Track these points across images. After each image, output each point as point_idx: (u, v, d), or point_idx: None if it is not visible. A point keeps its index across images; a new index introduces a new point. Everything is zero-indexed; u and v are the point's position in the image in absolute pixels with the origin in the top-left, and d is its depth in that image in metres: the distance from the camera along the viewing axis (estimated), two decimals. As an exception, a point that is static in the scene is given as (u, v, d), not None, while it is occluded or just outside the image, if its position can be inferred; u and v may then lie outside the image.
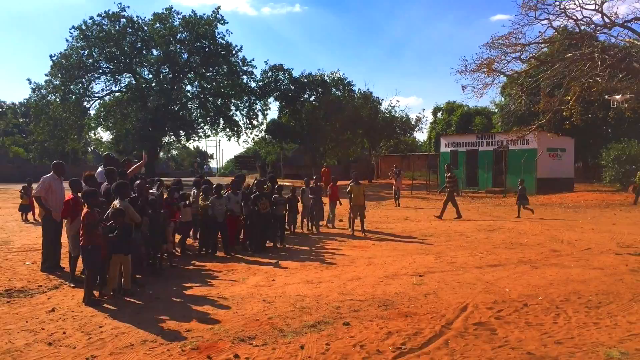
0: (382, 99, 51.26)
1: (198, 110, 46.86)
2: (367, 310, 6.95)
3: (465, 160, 34.16)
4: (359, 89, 51.65)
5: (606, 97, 24.13)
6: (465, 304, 7.33)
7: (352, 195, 14.80)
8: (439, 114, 62.97)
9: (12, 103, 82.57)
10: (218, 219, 11.40)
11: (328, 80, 48.67)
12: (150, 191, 11.09)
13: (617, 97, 22.76)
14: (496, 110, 46.20)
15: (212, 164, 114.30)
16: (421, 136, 67.46)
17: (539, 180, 30.48)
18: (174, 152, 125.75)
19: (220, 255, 11.46)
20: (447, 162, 34.07)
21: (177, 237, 11.68)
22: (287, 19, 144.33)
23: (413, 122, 50.51)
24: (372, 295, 7.71)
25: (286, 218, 14.05)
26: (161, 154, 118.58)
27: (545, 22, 26.65)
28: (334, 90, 49.00)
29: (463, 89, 27.79)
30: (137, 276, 8.66)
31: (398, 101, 56.27)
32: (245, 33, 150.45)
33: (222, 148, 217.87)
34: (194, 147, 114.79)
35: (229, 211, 11.61)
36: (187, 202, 11.41)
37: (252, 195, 12.03)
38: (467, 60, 27.72)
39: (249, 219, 12.03)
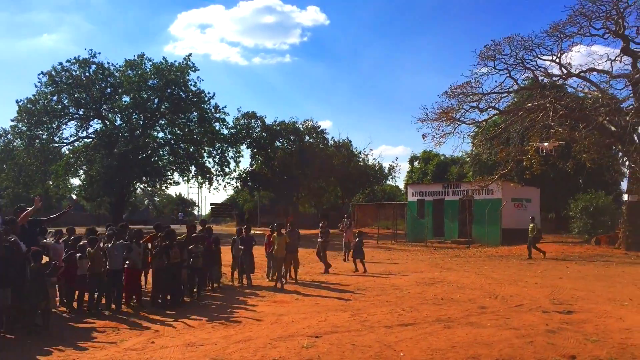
0: (356, 148, 50.56)
1: (168, 157, 46.29)
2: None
3: (432, 209, 33.69)
4: (332, 137, 51.50)
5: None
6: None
7: (275, 247, 14.18)
8: (415, 163, 62.93)
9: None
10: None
11: (301, 128, 48.52)
12: (45, 241, 10.45)
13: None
14: (468, 160, 46.05)
15: (196, 211, 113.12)
16: (400, 184, 67.22)
17: (504, 230, 29.96)
18: (156, 199, 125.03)
19: (126, 311, 10.74)
20: (413, 212, 33.74)
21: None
22: (277, 70, 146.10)
23: (386, 171, 50.19)
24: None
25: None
26: (146, 201, 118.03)
27: (504, 72, 26.78)
28: (307, 138, 48.79)
29: (423, 138, 27.76)
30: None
31: (371, 149, 56.21)
32: (236, 82, 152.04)
33: (204, 195, 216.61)
34: (175, 194, 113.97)
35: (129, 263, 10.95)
36: (82, 254, 10.65)
37: (162, 245, 11.33)
38: (427, 109, 27.71)
39: (156, 271, 11.30)
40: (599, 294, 12.80)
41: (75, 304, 10.85)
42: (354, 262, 18.13)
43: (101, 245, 11.26)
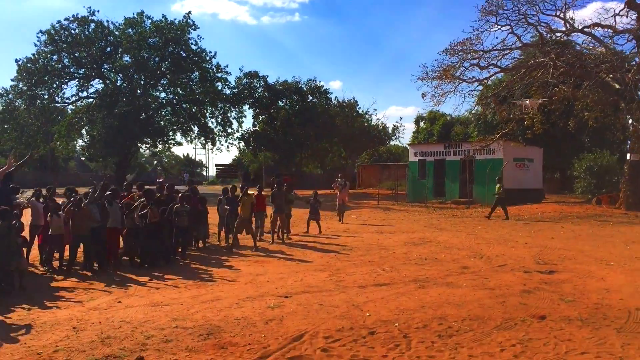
0: (361, 108, 50.01)
1: (170, 117, 45.97)
2: (182, 341, 6.14)
3: (433, 170, 33.36)
4: (336, 97, 50.95)
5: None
6: (305, 331, 6.53)
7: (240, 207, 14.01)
8: (421, 123, 62.32)
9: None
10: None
11: (305, 88, 47.94)
12: (18, 200, 10.36)
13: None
14: (472, 120, 45.47)
15: (204, 172, 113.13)
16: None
17: (505, 190, 29.57)
18: (164, 160, 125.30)
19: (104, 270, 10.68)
20: (414, 173, 33.47)
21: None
22: (287, 28, 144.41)
23: (390, 132, 49.74)
24: (206, 321, 6.90)
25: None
26: (155, 162, 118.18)
27: (506, 28, 26.08)
28: (310, 97, 48.25)
29: (423, 97, 27.30)
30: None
31: (375, 109, 55.95)
32: (245, 42, 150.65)
33: (212, 156, 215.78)
34: (183, 155, 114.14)
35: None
36: (58, 212, 10.53)
37: (141, 204, 11.20)
38: (427, 67, 27.17)
39: (131, 231, 11.20)
40: (587, 254, 12.60)
41: (56, 264, 10.80)
42: (307, 223, 17.63)
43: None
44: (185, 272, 10.56)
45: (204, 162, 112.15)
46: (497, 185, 23.00)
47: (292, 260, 12.20)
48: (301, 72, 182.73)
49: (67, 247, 10.97)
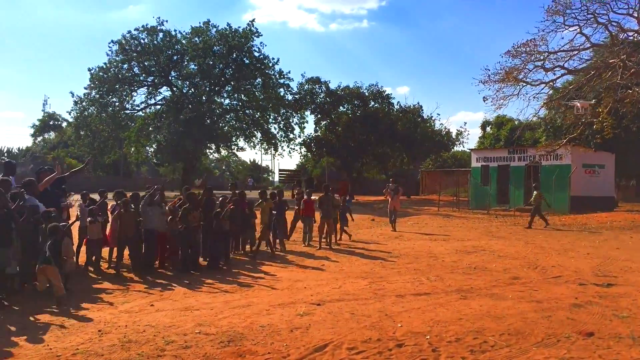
0: (425, 113, 49.17)
1: (233, 123, 46.69)
2: (201, 348, 5.98)
3: (497, 176, 32.34)
4: (398, 102, 50.36)
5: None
6: (329, 341, 6.26)
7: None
8: (487, 128, 60.76)
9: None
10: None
11: (366, 93, 47.61)
12: (65, 203, 10.54)
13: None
14: (541, 125, 43.82)
15: (271, 177, 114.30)
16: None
17: (573, 198, 28.31)
18: (232, 166, 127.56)
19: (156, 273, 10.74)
20: (476, 179, 32.53)
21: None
22: (355, 35, 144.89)
23: (454, 137, 48.68)
24: (231, 328, 6.72)
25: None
26: (223, 167, 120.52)
27: (574, 28, 24.98)
28: (372, 103, 47.89)
29: (484, 101, 26.48)
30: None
31: (439, 114, 54.48)
32: (313, 49, 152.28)
33: (278, 162, 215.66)
34: (250, 161, 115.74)
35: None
36: (95, 218, 10.62)
37: (182, 208, 11.22)
38: (489, 70, 26.37)
39: (174, 235, 11.21)
40: (653, 267, 11.74)
41: (104, 265, 10.96)
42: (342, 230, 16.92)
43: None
44: (224, 277, 10.46)
45: (270, 168, 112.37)
46: (535, 193, 21.95)
47: (336, 267, 11.91)
48: (369, 78, 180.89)
49: (109, 249, 11.14)
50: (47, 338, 6.38)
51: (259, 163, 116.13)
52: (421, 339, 6.39)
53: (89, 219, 10.54)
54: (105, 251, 11.43)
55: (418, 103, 61.05)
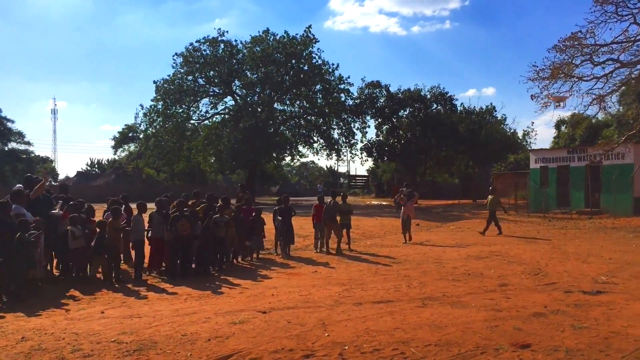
0: (496, 114, 47.68)
1: (294, 130, 47.12)
2: (102, 357, 5.97)
3: (556, 177, 30.80)
4: (462, 104, 49.10)
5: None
6: (238, 351, 6.11)
7: None
8: (562, 127, 58.17)
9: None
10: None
11: (428, 96, 46.72)
12: (53, 212, 10.91)
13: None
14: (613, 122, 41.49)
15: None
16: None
17: (637, 199, 26.48)
18: (305, 173, 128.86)
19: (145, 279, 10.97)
20: (535, 181, 31.12)
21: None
22: (437, 37, 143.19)
23: (520, 138, 46.87)
24: (150, 336, 6.68)
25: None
26: (304, 173, 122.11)
27: (628, 17, 23.46)
28: (435, 105, 46.95)
29: (532, 99, 25.29)
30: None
31: (504, 115, 52.09)
32: (395, 53, 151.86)
33: (355, 167, 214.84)
34: (326, 167, 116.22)
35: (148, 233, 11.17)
36: (79, 227, 10.88)
37: (172, 216, 11.36)
38: (537, 67, 25.18)
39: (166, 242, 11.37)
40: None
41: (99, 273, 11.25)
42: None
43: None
44: (206, 285, 10.46)
45: (349, 173, 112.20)
46: (489, 197, 20.37)
47: (326, 273, 11.70)
48: (452, 81, 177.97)
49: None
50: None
51: (334, 169, 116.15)
52: (336, 350, 6.13)
53: (70, 228, 10.81)
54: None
55: (491, 104, 59.28)
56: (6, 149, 75.82)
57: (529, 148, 50.43)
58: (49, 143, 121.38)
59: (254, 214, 13.88)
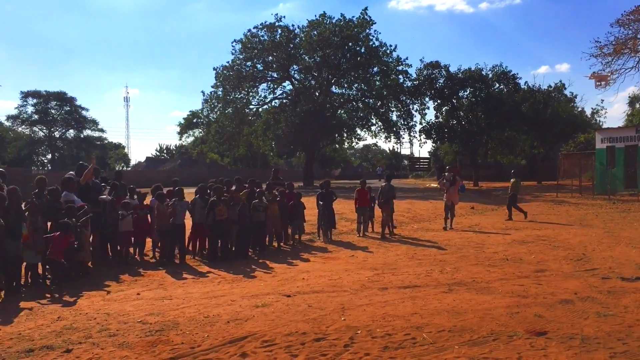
0: (556, 93, 46.04)
1: (353, 113, 47.01)
2: (124, 336, 6.23)
3: (624, 157, 29.49)
4: (526, 82, 47.52)
5: None
6: (253, 333, 6.28)
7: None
8: (637, 105, 55.55)
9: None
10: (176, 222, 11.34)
11: (490, 75, 45.46)
12: (102, 197, 11.39)
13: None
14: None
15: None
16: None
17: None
18: (369, 156, 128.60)
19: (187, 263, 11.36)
20: (601, 161, 29.92)
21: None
22: (507, 13, 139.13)
23: (589, 116, 45.00)
24: (174, 318, 6.95)
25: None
26: (370, 156, 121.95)
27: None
28: (497, 85, 45.67)
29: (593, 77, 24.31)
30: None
31: (572, 92, 49.54)
32: (461, 32, 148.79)
33: (419, 150, 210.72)
34: (389, 150, 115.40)
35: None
36: (126, 211, 11.29)
37: (210, 201, 11.66)
38: (600, 42, 24.15)
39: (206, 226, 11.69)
40: None
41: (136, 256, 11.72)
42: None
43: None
44: (242, 268, 10.68)
45: (412, 155, 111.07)
46: (512, 180, 19.59)
47: (363, 257, 11.74)
48: (522, 57, 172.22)
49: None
50: (17, 320, 7.04)
51: (398, 151, 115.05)
52: (348, 334, 6.20)
53: (121, 212, 11.27)
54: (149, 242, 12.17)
55: (560, 81, 57.06)
56: (81, 136, 79.40)
57: (598, 127, 48.50)
58: (122, 130, 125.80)
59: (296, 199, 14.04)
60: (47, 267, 9.67)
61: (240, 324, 6.69)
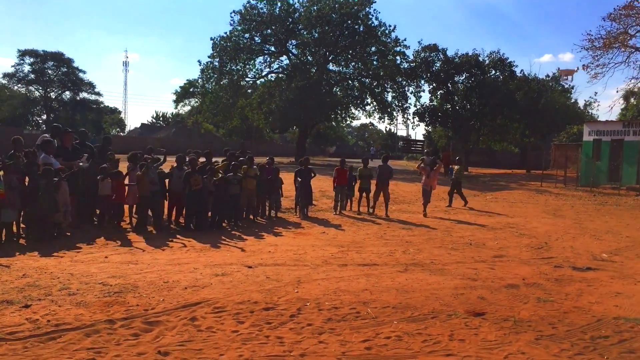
0: (553, 83, 46.22)
1: (348, 91, 47.04)
2: (83, 296, 6.55)
3: (609, 151, 29.78)
4: (522, 70, 47.59)
5: None
6: (207, 300, 6.59)
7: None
8: (632, 99, 55.70)
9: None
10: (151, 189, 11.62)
11: (487, 61, 45.49)
12: (80, 163, 11.63)
13: None
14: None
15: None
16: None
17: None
18: (366, 134, 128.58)
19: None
20: (588, 153, 30.23)
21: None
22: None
23: (581, 108, 45.18)
24: (135, 281, 7.24)
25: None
26: (366, 135, 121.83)
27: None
28: (493, 72, 45.72)
29: (584, 68, 24.54)
30: None
31: (567, 81, 49.52)
32: (467, 16, 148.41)
33: (415, 131, 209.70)
34: (385, 130, 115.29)
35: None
36: (105, 176, 11.55)
37: (185, 172, 11.93)
38: (592, 35, 24.30)
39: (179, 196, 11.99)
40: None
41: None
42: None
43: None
44: (214, 239, 10.96)
45: (409, 137, 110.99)
46: (456, 167, 19.33)
47: (333, 234, 12.07)
48: (526, 44, 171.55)
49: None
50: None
51: (394, 132, 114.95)
52: (297, 305, 6.51)
53: (99, 176, 11.54)
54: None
55: (558, 69, 57.11)
56: (77, 98, 79.02)
57: (589, 119, 48.77)
58: (120, 95, 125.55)
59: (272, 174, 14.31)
60: (22, 225, 9.98)
61: (196, 290, 7.00)
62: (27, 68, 72.35)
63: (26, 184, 10.33)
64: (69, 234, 10.69)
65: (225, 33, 45.13)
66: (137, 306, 6.27)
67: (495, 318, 6.28)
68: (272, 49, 46.90)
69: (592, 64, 23.46)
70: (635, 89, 53.36)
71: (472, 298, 7.05)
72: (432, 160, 17.19)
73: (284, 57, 47.54)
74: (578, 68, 24.21)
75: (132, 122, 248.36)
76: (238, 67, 46.09)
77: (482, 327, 5.94)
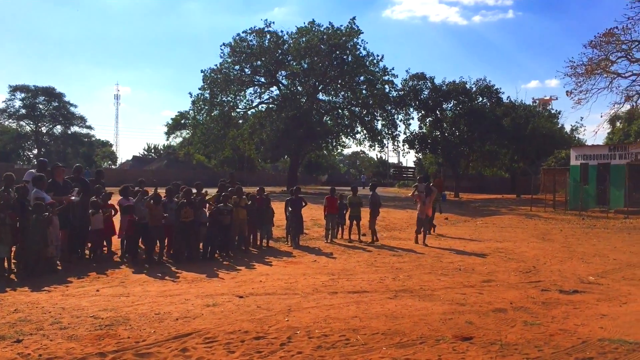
0: (551, 108, 46.96)
1: (337, 120, 47.52)
2: (75, 329, 6.60)
3: (596, 175, 30.17)
4: (508, 97, 48.33)
5: None
6: (198, 331, 6.64)
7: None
8: (617, 123, 56.40)
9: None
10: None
11: (474, 88, 46.19)
12: (72, 197, 11.72)
13: None
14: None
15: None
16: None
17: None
18: (358, 163, 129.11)
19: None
20: (576, 177, 30.59)
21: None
22: (499, 27, 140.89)
23: (568, 133, 45.78)
24: (126, 314, 7.30)
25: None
26: (358, 163, 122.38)
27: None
28: (480, 98, 46.40)
29: (568, 94, 24.98)
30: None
31: (557, 110, 50.45)
32: (455, 44, 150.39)
33: (407, 158, 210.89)
34: (376, 157, 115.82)
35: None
36: (95, 209, 11.66)
37: (178, 204, 12.04)
38: (574, 62, 24.81)
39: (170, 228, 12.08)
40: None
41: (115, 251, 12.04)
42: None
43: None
44: (205, 269, 11.01)
45: (400, 164, 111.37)
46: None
47: (324, 263, 12.16)
48: (513, 71, 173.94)
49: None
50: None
51: (385, 159, 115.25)
52: (287, 334, 6.58)
53: (91, 210, 11.64)
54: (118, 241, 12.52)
55: (532, 98, 57.97)
56: (69, 132, 79.19)
57: (575, 144, 49.32)
58: (112, 128, 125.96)
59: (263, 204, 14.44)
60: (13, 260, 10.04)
61: (188, 321, 7.06)
62: (18, 103, 72.66)
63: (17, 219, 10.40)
64: (60, 267, 10.72)
65: (216, 65, 45.70)
66: (128, 338, 6.32)
67: (483, 342, 6.37)
68: (262, 80, 47.42)
69: (576, 89, 23.89)
70: (620, 113, 54.33)
71: (460, 323, 7.15)
72: (426, 186, 16.39)
73: (274, 88, 48.13)
74: (556, 97, 24.42)
75: (124, 154, 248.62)
76: (229, 98, 46.55)
77: (470, 351, 6.03)
